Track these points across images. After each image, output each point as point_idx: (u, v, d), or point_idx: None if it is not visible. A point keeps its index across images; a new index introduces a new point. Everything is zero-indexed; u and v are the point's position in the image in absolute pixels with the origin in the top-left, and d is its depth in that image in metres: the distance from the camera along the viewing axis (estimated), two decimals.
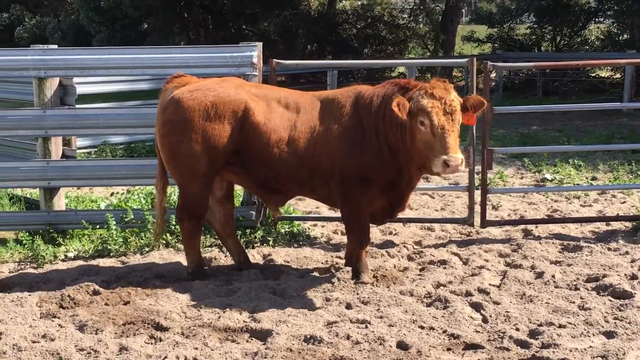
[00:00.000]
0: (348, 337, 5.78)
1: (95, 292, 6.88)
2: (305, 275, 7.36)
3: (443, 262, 7.61)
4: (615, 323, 5.91)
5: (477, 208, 8.73)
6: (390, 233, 8.87)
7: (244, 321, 6.16)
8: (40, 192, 8.57)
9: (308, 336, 5.79)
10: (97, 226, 8.31)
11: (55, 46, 8.41)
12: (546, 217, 9.45)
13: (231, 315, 6.24)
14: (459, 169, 6.25)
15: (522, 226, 8.87)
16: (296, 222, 8.77)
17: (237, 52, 8.25)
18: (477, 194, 8.84)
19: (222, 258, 7.87)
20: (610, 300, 6.42)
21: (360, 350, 5.58)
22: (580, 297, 6.48)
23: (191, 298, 6.73)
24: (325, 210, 9.68)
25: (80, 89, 13.96)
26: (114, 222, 8.08)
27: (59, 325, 6.20)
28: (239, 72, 8.26)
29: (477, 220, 8.69)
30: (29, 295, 6.80)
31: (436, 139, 6.29)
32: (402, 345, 5.65)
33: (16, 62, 8.25)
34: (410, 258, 7.90)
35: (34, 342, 5.84)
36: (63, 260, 7.98)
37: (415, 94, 6.41)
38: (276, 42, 33.78)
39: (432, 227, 9.02)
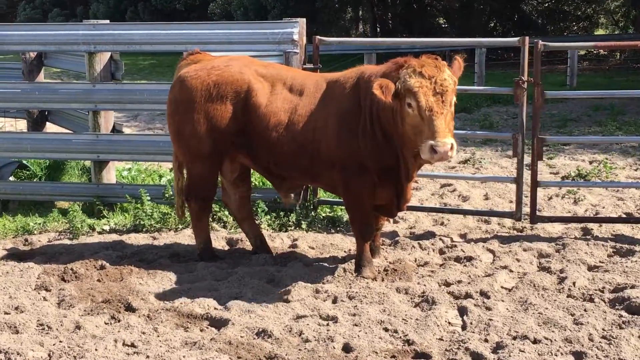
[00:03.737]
0: (300, 334, 5.44)
1: (101, 267, 6.95)
2: (313, 263, 7.05)
3: (469, 259, 7.04)
4: (598, 343, 5.14)
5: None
6: (442, 224, 8.33)
7: (215, 308, 5.99)
8: (91, 164, 8.76)
9: (261, 330, 5.50)
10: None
11: (107, 21, 8.53)
12: (607, 217, 8.37)
13: (204, 301, 6.06)
14: (447, 155, 5.61)
15: (583, 224, 7.99)
16: (339, 207, 8.41)
17: (278, 28, 8.00)
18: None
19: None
20: (620, 316, 5.61)
21: (300, 350, 5.23)
22: (585, 309, 5.72)
23: (184, 279, 6.62)
24: None
25: None
26: (148, 198, 8.10)
27: (43, 298, 6.28)
28: (280, 49, 8.05)
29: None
30: (39, 266, 6.96)
31: (424, 123, 5.69)
32: (347, 348, 5.23)
33: (68, 37, 8.44)
34: (441, 252, 7.37)
35: (6, 313, 5.94)
36: (100, 233, 8.12)
37: (402, 73, 5.83)
38: (454, 18, 32.96)
39: (489, 220, 8.35)
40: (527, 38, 7.39)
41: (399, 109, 5.88)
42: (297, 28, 7.93)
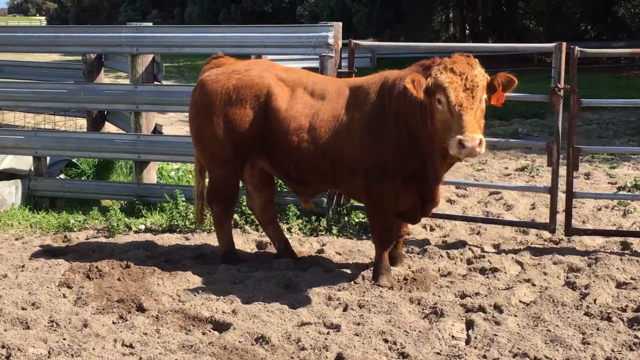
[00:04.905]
0: (298, 342, 5.39)
1: (126, 266, 7.04)
2: (335, 270, 6.98)
3: (494, 270, 6.85)
4: None
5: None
6: (478, 233, 8.12)
7: (223, 311, 6.00)
8: (133, 164, 8.92)
9: (260, 336, 5.48)
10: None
11: (150, 24, 8.65)
12: None
13: (214, 304, 6.09)
14: (475, 151, 5.49)
15: (624, 238, 7.67)
16: None
17: (313, 32, 7.96)
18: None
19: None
20: (635, 337, 5.37)
21: (292, 358, 5.20)
22: (597, 328, 5.49)
23: (201, 281, 6.66)
24: None
25: None
26: (183, 199, 8.19)
27: (63, 295, 6.42)
28: (315, 52, 8.01)
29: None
30: (67, 263, 7.12)
31: (453, 118, 5.60)
32: (340, 358, 5.15)
33: (112, 39, 8.62)
34: (468, 262, 7.20)
35: (22, 308, 6.08)
36: (136, 232, 8.24)
37: (434, 70, 5.76)
38: (543, 21, 32.18)
39: (527, 231, 8.09)
40: (564, 44, 7.14)
41: (429, 105, 5.81)
42: (332, 32, 7.87)
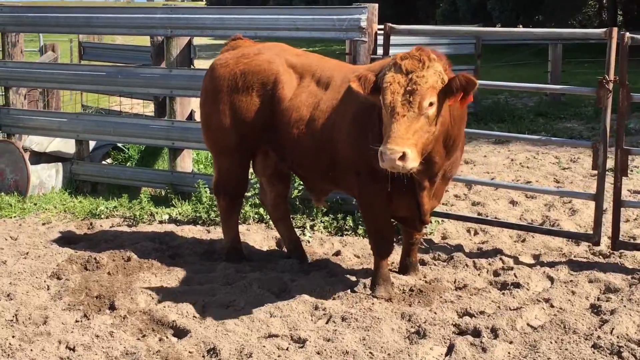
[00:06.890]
0: (249, 357, 4.85)
1: (128, 259, 6.75)
2: (340, 275, 6.38)
3: (516, 286, 6.05)
4: None
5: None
6: (523, 241, 7.28)
7: (194, 316, 5.57)
8: (168, 151, 8.59)
9: (212, 347, 4.98)
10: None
11: (186, 4, 8.26)
12: None
13: (185, 307, 5.64)
14: (397, 165, 4.66)
15: None
16: None
17: (345, 14, 7.33)
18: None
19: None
20: None
21: None
22: None
23: (192, 280, 6.26)
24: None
25: None
26: (207, 190, 7.77)
27: (46, 287, 6.17)
28: (347, 36, 7.42)
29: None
30: (72, 251, 6.92)
31: (388, 123, 4.83)
32: None
33: (146, 21, 8.28)
34: (495, 274, 6.42)
35: None
36: (160, 222, 7.90)
37: (385, 67, 5.00)
38: None
39: (578, 242, 7.15)
40: (614, 29, 6.17)
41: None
42: (366, 14, 7.21)
